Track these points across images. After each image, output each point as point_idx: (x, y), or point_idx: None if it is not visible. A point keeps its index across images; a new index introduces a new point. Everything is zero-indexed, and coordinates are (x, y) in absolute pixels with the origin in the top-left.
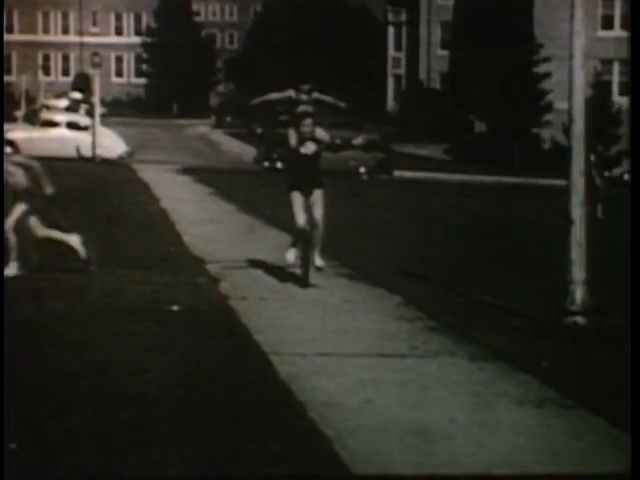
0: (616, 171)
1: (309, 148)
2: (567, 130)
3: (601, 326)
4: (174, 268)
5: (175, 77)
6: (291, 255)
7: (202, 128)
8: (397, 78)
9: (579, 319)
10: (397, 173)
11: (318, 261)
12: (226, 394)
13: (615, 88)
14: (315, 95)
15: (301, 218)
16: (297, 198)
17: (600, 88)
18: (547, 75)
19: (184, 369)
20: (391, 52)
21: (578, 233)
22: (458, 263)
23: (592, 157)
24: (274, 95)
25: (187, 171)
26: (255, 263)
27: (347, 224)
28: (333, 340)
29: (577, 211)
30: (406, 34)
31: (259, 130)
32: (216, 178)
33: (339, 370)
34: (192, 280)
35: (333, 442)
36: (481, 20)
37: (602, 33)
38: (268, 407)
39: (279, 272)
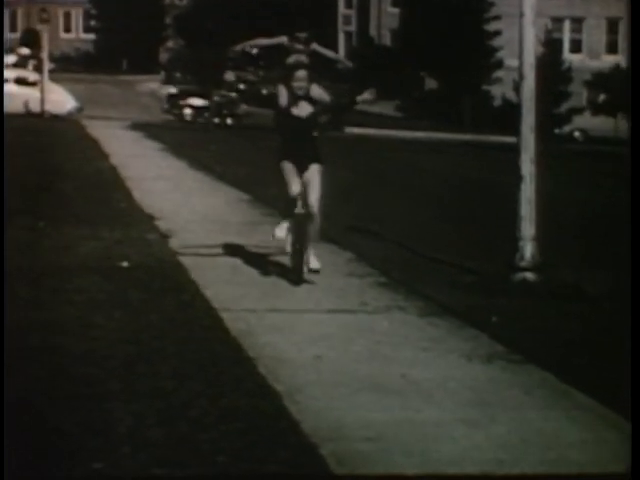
0: (566, 128)
1: (303, 109)
2: (517, 87)
3: (550, 282)
4: (124, 224)
5: (124, 33)
6: (282, 229)
7: (152, 84)
8: (348, 35)
9: (528, 275)
10: (348, 130)
11: (314, 262)
12: (176, 350)
13: (566, 46)
14: (314, 47)
15: (295, 184)
16: (288, 165)
17: (551, 46)
18: (497, 33)
19: (134, 325)
20: (342, 9)
21: (528, 189)
22: (409, 220)
23: None
24: (262, 40)
25: (137, 127)
26: (205, 219)
27: None
28: (284, 296)
29: (527, 167)
30: None
31: (217, 98)
32: (166, 134)
33: (289, 326)
34: (142, 236)
35: (283, 398)
36: None
37: None
38: (218, 363)
39: (228, 228)
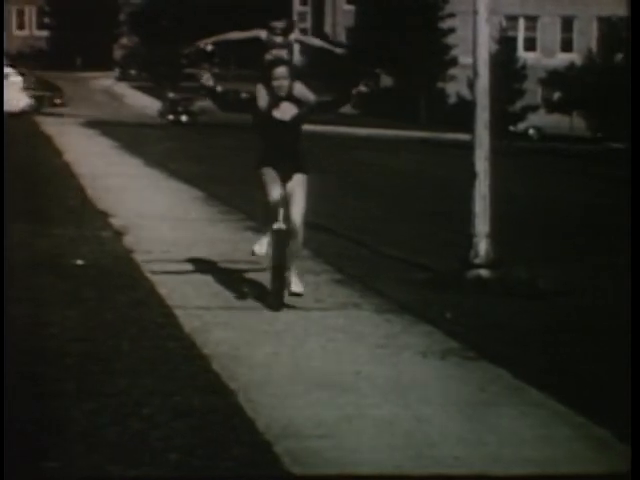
0: (521, 126)
1: (286, 112)
2: (472, 85)
3: (504, 278)
4: (78, 222)
5: (78, 30)
6: (261, 245)
7: (106, 81)
8: (303, 32)
9: (482, 271)
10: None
11: (296, 285)
12: (130, 348)
13: (520, 44)
14: (295, 37)
15: (275, 190)
16: (269, 172)
17: (505, 44)
18: (452, 30)
19: (89, 323)
20: (297, 7)
21: (482, 186)
22: (364, 216)
23: None
24: (235, 34)
25: (91, 124)
26: (160, 217)
27: (250, 178)
28: (238, 293)
29: (481, 164)
30: None
31: (171, 95)
32: (121, 131)
33: (244, 323)
34: (96, 234)
35: (237, 395)
36: None
37: None
38: (172, 360)
39: (183, 226)
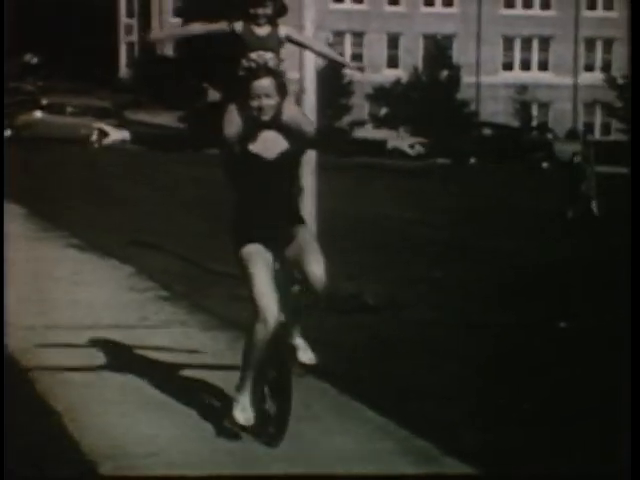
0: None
1: (270, 146)
2: (299, 101)
3: (330, 293)
4: None
5: None
6: (245, 410)
7: None
8: (130, 45)
9: None
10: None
11: (304, 352)
12: None
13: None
14: (286, 32)
15: (272, 305)
16: (260, 261)
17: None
18: None
19: None
20: (123, 19)
21: (309, 202)
22: (190, 232)
23: (577, 147)
24: (198, 27)
25: None
26: None
27: (75, 194)
28: (63, 312)
29: (308, 180)
30: (138, 1)
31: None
32: None
33: (68, 342)
34: None
35: (62, 416)
36: None
37: (333, 6)
38: None
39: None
